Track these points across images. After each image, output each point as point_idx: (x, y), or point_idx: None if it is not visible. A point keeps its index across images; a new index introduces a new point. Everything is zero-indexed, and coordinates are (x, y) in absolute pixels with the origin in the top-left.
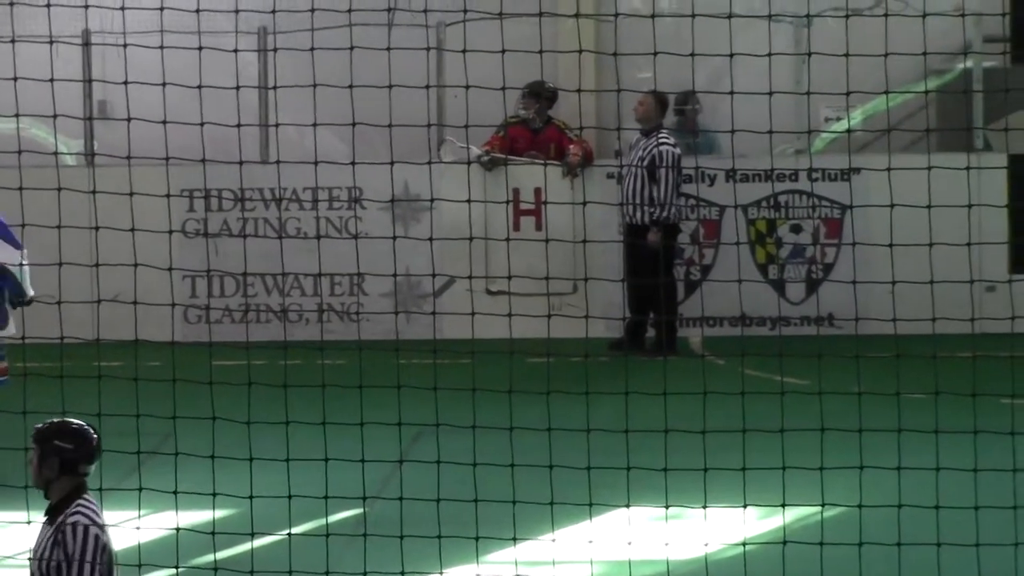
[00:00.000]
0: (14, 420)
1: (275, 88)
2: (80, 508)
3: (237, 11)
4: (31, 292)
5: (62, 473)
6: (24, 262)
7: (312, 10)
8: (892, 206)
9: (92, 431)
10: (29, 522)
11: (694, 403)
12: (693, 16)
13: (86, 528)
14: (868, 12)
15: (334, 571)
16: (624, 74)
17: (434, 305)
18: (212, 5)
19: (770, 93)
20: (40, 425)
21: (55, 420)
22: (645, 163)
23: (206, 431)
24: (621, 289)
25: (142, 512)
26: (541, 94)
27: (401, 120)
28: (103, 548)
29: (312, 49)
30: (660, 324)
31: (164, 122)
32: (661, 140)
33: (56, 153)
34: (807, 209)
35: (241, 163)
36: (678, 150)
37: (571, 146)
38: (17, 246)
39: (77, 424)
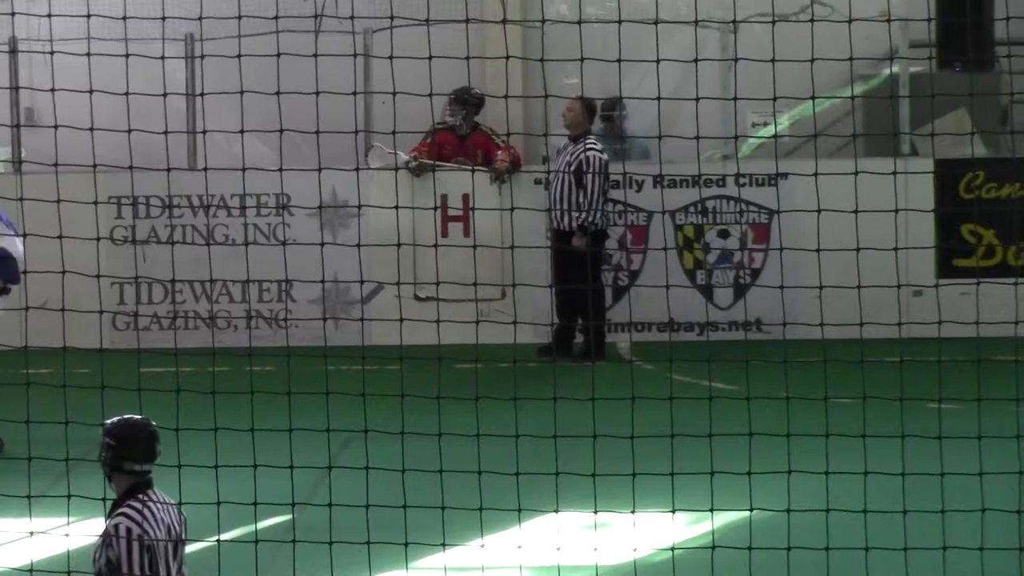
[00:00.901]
0: None
1: (202, 95)
2: (127, 507)
3: (164, 18)
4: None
5: (114, 471)
6: (21, 248)
7: (239, 17)
8: (819, 211)
9: (146, 430)
10: None
11: (622, 408)
12: (620, 22)
13: (128, 530)
14: (794, 17)
15: None
16: (551, 80)
17: (362, 311)
18: (138, 12)
19: (697, 99)
20: (113, 419)
21: (119, 417)
22: (572, 168)
23: None
24: (549, 295)
25: (71, 519)
26: (467, 100)
27: (328, 126)
28: (146, 548)
29: (239, 56)
30: (588, 329)
31: (91, 129)
32: (588, 146)
33: None
34: (734, 214)
35: (169, 170)
36: (605, 156)
37: (499, 152)
38: (16, 232)
39: (128, 422)
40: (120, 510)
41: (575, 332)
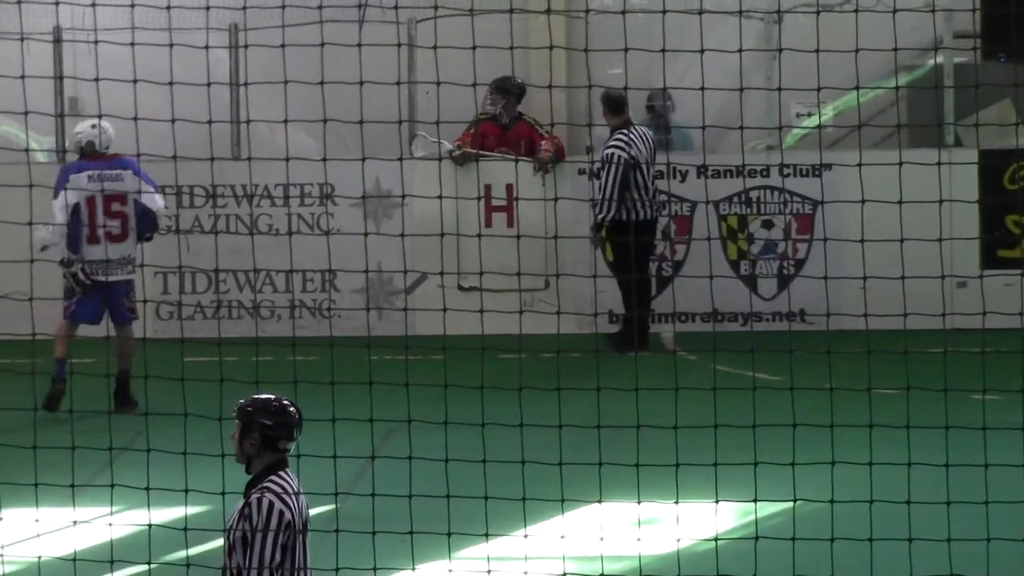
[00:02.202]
0: None
1: (246, 85)
2: (271, 483)
3: (208, 8)
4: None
5: (263, 448)
6: (161, 203)
7: (283, 6)
8: (863, 202)
9: (294, 408)
10: (1, 518)
11: (666, 399)
12: (664, 12)
13: (271, 503)
14: (839, 8)
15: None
16: (595, 70)
17: (406, 301)
18: (183, 2)
19: (741, 89)
20: (243, 400)
21: (259, 396)
22: (598, 165)
23: (178, 427)
24: (593, 285)
25: (114, 508)
26: (509, 90)
27: (372, 116)
28: (286, 524)
29: (283, 46)
30: (632, 320)
31: (135, 119)
32: (612, 142)
33: (27, 150)
34: (778, 205)
35: (213, 160)
36: (624, 153)
37: (542, 142)
38: (156, 188)
39: (279, 400)
40: (263, 485)
41: (647, 322)
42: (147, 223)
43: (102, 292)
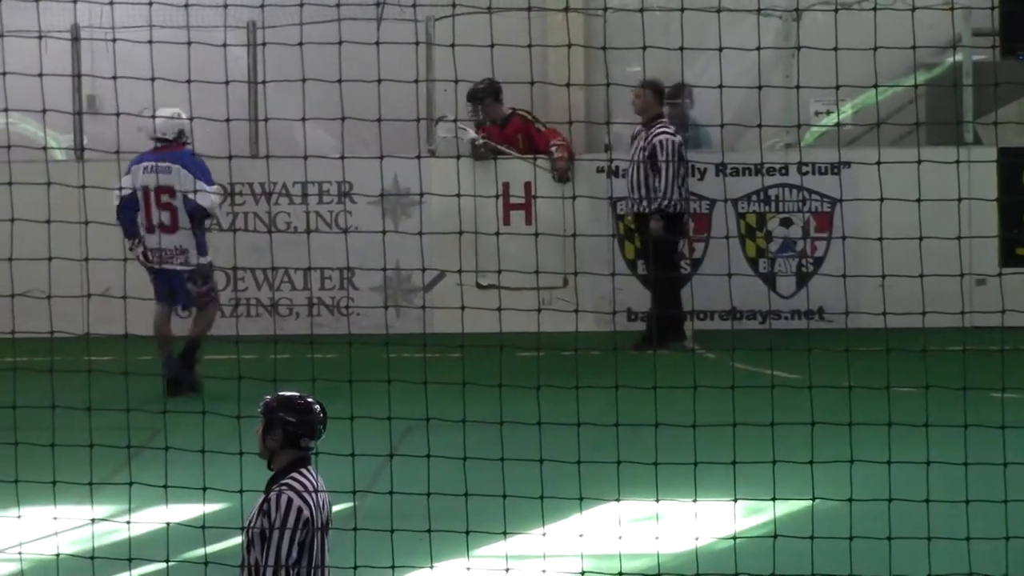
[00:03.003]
0: (3, 414)
1: (264, 83)
2: (291, 480)
3: (226, 6)
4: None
5: (285, 445)
6: (214, 200)
7: (301, 4)
8: (882, 200)
9: (318, 406)
10: (19, 516)
11: (684, 397)
12: (682, 10)
13: (290, 500)
14: (857, 6)
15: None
16: (613, 68)
17: (424, 299)
18: (200, 0)
19: (759, 87)
20: (268, 397)
21: (284, 393)
22: (647, 154)
23: (196, 425)
24: (611, 283)
25: (132, 506)
26: (477, 95)
27: (390, 114)
28: (305, 522)
29: (301, 44)
30: (652, 316)
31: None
32: (660, 129)
33: (45, 148)
34: (797, 203)
35: (231, 158)
36: (678, 138)
37: (553, 148)
38: (209, 186)
39: (303, 398)
40: (283, 481)
41: (683, 316)
42: (195, 218)
43: (166, 277)
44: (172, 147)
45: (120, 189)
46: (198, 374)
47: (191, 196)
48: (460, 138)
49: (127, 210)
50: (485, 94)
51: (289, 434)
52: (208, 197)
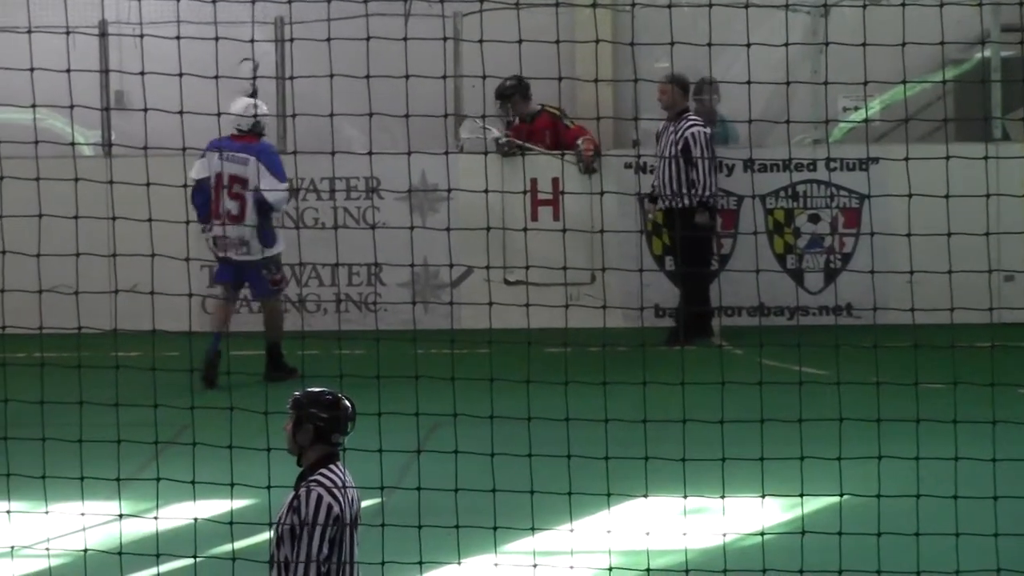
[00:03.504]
0: (30, 410)
1: (292, 79)
2: (321, 476)
3: (254, 1)
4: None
5: (315, 441)
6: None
7: (329, 0)
8: (910, 196)
9: (348, 402)
10: (47, 512)
11: (712, 393)
12: (710, 5)
13: (319, 497)
14: (885, 1)
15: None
16: (641, 63)
17: (451, 295)
18: None
19: (787, 83)
20: (297, 393)
21: (313, 389)
22: (680, 147)
23: (223, 421)
24: (639, 279)
25: (160, 502)
26: (504, 94)
27: (418, 110)
28: (335, 518)
29: (329, 39)
30: (680, 312)
31: (181, 112)
32: (691, 122)
33: (73, 143)
34: (825, 199)
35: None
36: (708, 129)
37: (579, 141)
38: (284, 181)
39: (333, 394)
40: (313, 477)
41: (711, 312)
42: (262, 211)
43: (232, 266)
44: (250, 138)
45: (195, 171)
46: (289, 364)
47: (262, 190)
48: (483, 138)
49: (199, 194)
50: (513, 91)
51: (319, 430)
52: (276, 193)
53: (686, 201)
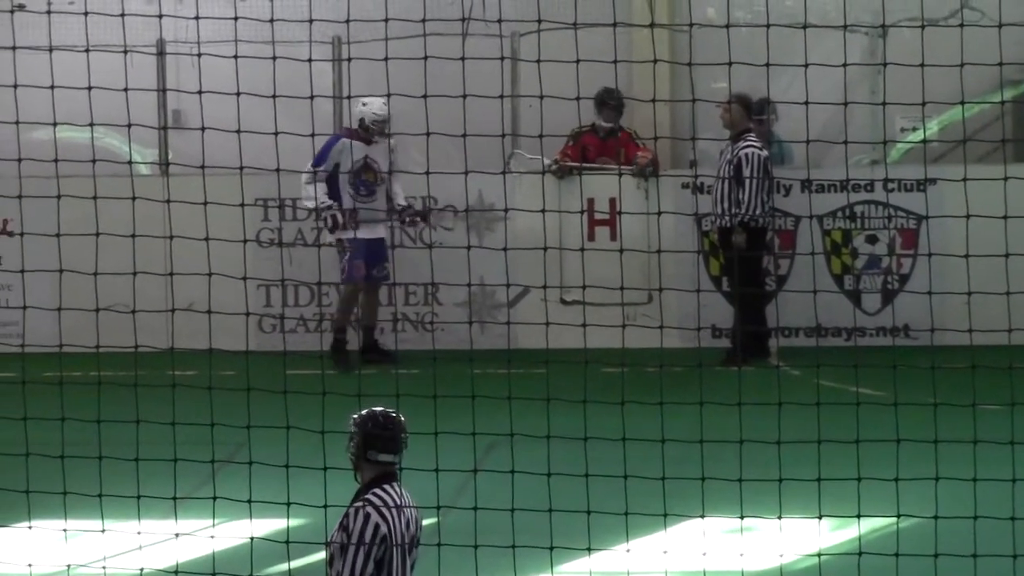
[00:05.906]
0: (87, 428)
1: (349, 98)
2: (373, 495)
3: (311, 21)
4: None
5: (368, 460)
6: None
7: (386, 20)
8: (968, 217)
9: (392, 421)
10: (103, 531)
11: (769, 414)
12: (768, 26)
13: (367, 516)
14: (944, 22)
15: None
16: (699, 84)
17: (508, 315)
18: (285, 15)
19: (845, 103)
20: (359, 413)
21: (373, 408)
22: (733, 167)
23: (280, 440)
24: (696, 299)
25: (216, 521)
26: (603, 100)
27: (475, 130)
28: (382, 538)
29: (386, 59)
30: (736, 332)
31: (238, 131)
32: (748, 143)
33: (130, 162)
34: (883, 219)
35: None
36: (764, 152)
37: (639, 152)
38: (313, 164)
39: (385, 413)
40: (365, 496)
41: (768, 333)
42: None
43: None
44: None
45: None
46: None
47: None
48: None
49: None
50: (613, 104)
51: (368, 448)
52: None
53: (727, 221)
